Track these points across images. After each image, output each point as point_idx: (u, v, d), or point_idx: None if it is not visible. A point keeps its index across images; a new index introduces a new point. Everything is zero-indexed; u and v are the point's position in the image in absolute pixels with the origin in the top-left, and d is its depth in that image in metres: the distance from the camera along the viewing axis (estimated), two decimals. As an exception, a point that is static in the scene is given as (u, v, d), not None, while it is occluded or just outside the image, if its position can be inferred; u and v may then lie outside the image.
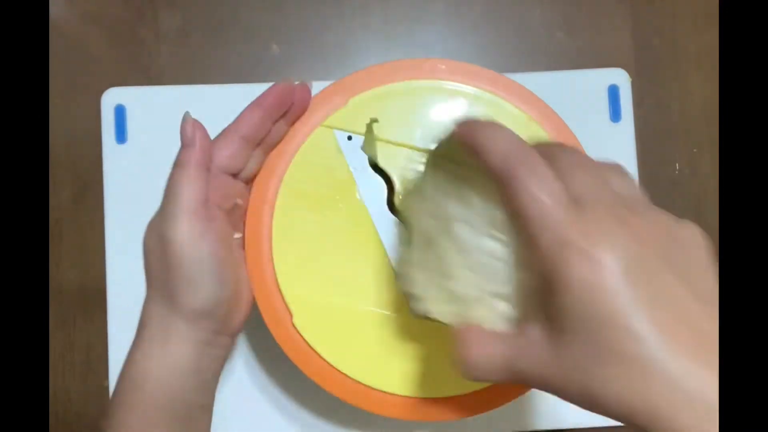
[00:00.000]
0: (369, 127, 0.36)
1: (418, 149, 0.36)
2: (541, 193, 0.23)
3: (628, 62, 0.48)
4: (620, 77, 0.47)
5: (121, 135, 0.46)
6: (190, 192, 0.30)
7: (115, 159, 0.46)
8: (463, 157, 0.27)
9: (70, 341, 0.46)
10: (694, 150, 0.48)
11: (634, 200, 0.25)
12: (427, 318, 0.29)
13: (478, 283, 0.27)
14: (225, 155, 0.32)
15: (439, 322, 0.28)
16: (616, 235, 0.23)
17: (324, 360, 0.35)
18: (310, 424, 0.44)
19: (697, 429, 0.21)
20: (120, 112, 0.46)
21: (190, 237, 0.29)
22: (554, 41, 0.48)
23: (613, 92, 0.47)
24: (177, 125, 0.47)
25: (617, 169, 0.27)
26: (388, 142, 0.36)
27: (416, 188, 0.30)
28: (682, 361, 0.22)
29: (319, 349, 0.35)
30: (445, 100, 0.37)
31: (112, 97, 0.46)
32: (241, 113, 0.34)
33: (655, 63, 0.48)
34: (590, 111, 0.46)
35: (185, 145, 0.31)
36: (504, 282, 0.26)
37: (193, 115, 0.46)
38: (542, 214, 0.23)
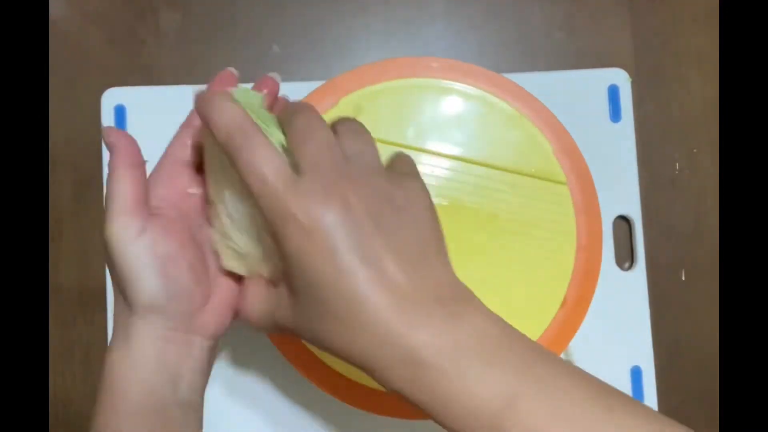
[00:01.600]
0: None
1: (410, 147, 0.36)
2: (262, 168, 0.26)
3: (628, 62, 0.48)
4: (620, 77, 0.47)
5: (121, 135, 0.46)
6: (121, 192, 0.31)
7: (115, 159, 0.46)
8: None
9: (70, 341, 0.46)
10: (694, 150, 0.48)
11: (359, 164, 0.27)
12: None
13: (247, 243, 0.30)
14: (180, 146, 0.34)
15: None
16: (328, 204, 0.25)
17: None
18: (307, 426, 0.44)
19: (404, 377, 0.24)
20: (120, 112, 0.46)
21: (124, 235, 0.30)
22: (554, 41, 0.48)
23: (613, 92, 0.47)
24: (177, 125, 0.47)
25: (352, 127, 0.29)
26: (379, 141, 0.36)
27: (210, 159, 0.32)
28: (383, 315, 0.24)
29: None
30: (437, 98, 0.37)
31: (112, 97, 0.46)
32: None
33: (655, 63, 0.48)
34: (590, 111, 0.46)
35: (110, 151, 0.32)
36: (263, 243, 0.29)
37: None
38: (263, 189, 0.26)
